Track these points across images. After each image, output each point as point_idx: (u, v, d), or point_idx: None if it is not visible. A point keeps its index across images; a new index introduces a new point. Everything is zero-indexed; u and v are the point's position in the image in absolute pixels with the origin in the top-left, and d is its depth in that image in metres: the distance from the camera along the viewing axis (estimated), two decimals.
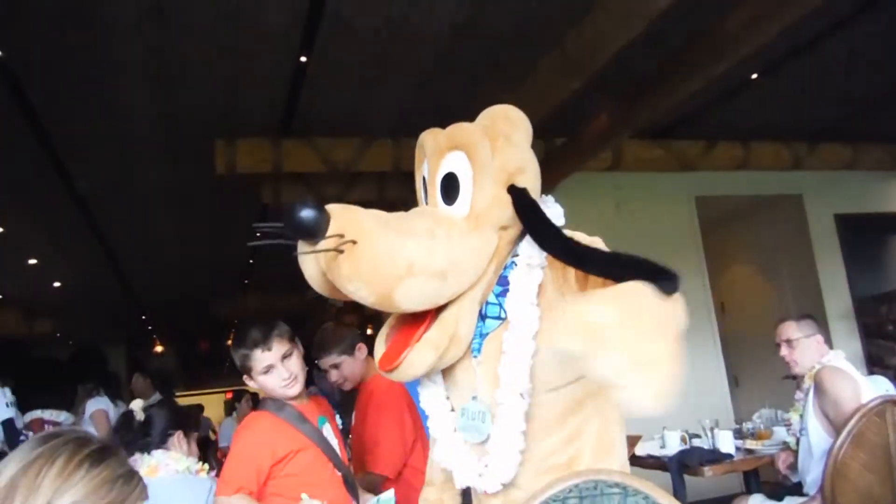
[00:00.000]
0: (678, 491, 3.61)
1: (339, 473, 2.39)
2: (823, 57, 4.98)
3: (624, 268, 1.41)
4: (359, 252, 1.40)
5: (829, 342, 3.44)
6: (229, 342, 17.59)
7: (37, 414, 4.49)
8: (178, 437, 2.64)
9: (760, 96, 5.60)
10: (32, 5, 3.47)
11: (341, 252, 1.39)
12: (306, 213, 1.38)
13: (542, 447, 1.60)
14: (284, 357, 2.39)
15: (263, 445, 2.34)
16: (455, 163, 1.63)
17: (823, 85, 5.55)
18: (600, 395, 1.64)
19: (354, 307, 13.18)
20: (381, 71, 4.44)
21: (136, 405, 2.70)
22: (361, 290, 1.43)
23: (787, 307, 6.66)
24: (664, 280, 1.37)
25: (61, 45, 3.84)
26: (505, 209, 1.61)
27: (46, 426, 4.52)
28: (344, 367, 3.10)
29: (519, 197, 1.62)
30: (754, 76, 5.20)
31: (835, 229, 7.08)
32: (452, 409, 1.72)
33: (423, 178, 1.72)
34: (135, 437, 2.59)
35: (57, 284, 9.88)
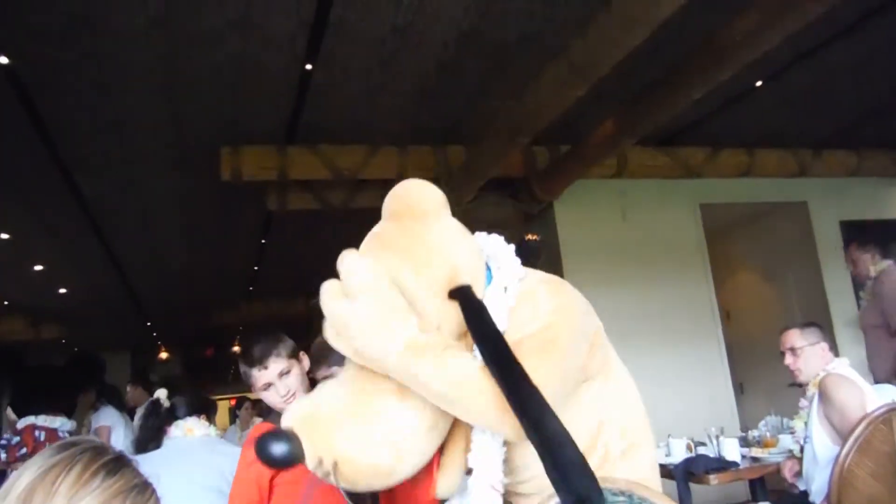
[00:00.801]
0: (684, 499, 3.61)
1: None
2: (828, 64, 4.99)
3: (545, 445, 1.27)
4: (344, 471, 1.44)
5: (834, 349, 3.43)
6: (234, 349, 17.64)
7: (30, 420, 4.50)
8: (200, 417, 2.93)
9: (765, 103, 5.61)
10: (40, 13, 3.49)
11: (329, 474, 1.44)
12: (277, 450, 1.41)
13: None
14: (282, 374, 2.39)
15: (252, 468, 2.32)
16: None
17: (828, 92, 5.56)
18: (604, 397, 1.66)
19: None
20: (387, 78, 4.45)
21: (162, 393, 2.92)
22: (366, 486, 1.50)
23: (793, 314, 6.65)
24: (574, 490, 1.24)
25: (69, 53, 3.86)
26: (451, 319, 1.51)
27: (38, 432, 4.52)
28: None
29: (465, 299, 1.50)
30: (759, 83, 5.21)
31: (840, 236, 7.07)
32: None
33: None
34: (162, 421, 2.86)
35: (63, 291, 9.91)
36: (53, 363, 5.67)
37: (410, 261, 1.51)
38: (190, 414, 2.91)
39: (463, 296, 1.49)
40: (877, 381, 4.70)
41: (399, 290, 1.45)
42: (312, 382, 2.54)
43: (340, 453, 1.43)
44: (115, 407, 5.73)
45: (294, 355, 2.44)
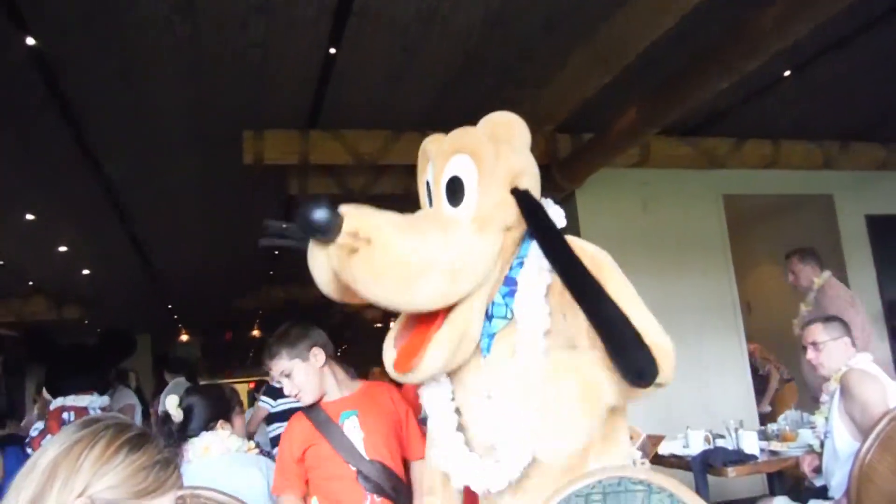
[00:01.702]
0: (701, 491, 3.59)
1: (353, 468, 2.38)
2: (857, 55, 4.91)
3: (603, 327, 1.46)
4: (374, 251, 1.42)
5: (856, 345, 3.39)
6: (254, 332, 17.78)
7: (60, 402, 4.54)
8: (219, 426, 2.65)
9: (791, 94, 5.54)
10: (65, 0, 3.52)
11: (356, 251, 1.41)
12: (319, 213, 1.39)
13: None
14: (283, 374, 2.46)
15: (286, 446, 2.48)
16: (460, 166, 1.66)
17: (856, 83, 5.47)
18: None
19: None
20: (410, 64, 4.44)
21: (172, 403, 2.64)
22: (375, 289, 1.45)
23: None
24: (632, 364, 1.42)
25: (94, 37, 3.89)
26: (509, 211, 1.65)
27: (66, 413, 4.56)
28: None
29: (523, 199, 1.66)
30: (786, 73, 5.14)
31: (865, 230, 6.99)
32: (457, 410, 1.74)
33: (427, 183, 1.75)
34: (176, 435, 2.59)
35: (86, 272, 10.01)
36: (79, 342, 5.72)
37: (496, 146, 1.68)
38: (207, 423, 2.64)
39: (524, 195, 1.67)
40: (812, 390, 4.80)
41: (476, 165, 1.64)
42: None
43: (380, 227, 1.45)
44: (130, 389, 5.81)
45: (300, 355, 2.45)
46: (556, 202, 1.78)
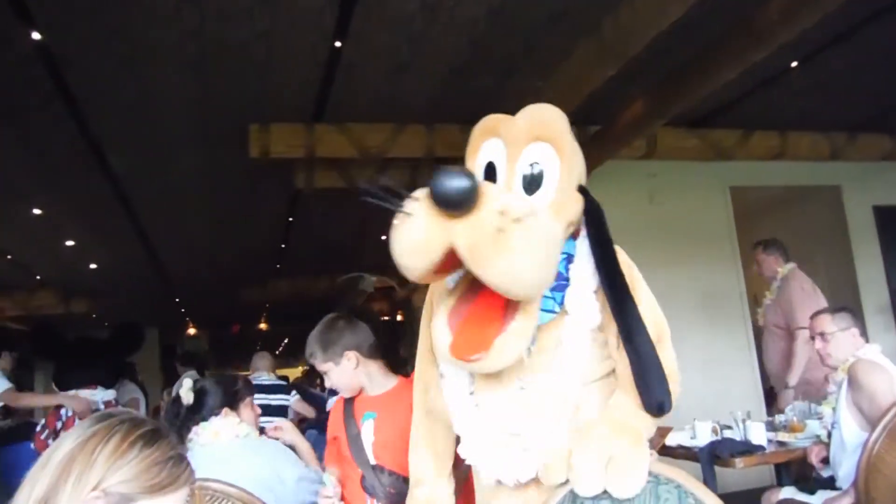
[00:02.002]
0: (708, 482, 3.59)
1: (359, 471, 2.41)
2: (864, 46, 4.88)
3: (634, 355, 1.56)
4: (532, 230, 1.34)
5: (864, 335, 3.39)
6: (261, 325, 17.84)
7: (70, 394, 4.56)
8: (224, 413, 2.64)
9: (799, 85, 5.51)
10: None
11: (503, 230, 1.32)
12: (462, 184, 1.31)
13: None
14: (322, 372, 2.54)
15: (328, 425, 2.69)
16: (540, 154, 1.62)
17: (864, 74, 5.44)
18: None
19: (384, 294, 13.30)
20: (416, 56, 4.43)
21: (186, 386, 2.66)
22: (513, 269, 1.34)
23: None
24: (655, 399, 1.55)
25: (100, 29, 3.89)
26: (577, 207, 1.65)
27: (63, 409, 4.57)
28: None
29: (589, 199, 1.67)
30: (793, 64, 5.11)
31: (873, 221, 6.97)
32: (476, 405, 1.71)
33: (491, 164, 1.67)
34: (186, 417, 2.61)
35: (93, 266, 10.04)
36: (90, 335, 5.74)
37: (573, 139, 1.68)
38: (218, 409, 2.63)
39: (590, 196, 1.69)
40: (770, 379, 5.06)
41: (559, 155, 1.63)
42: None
43: (533, 216, 1.37)
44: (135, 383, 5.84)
45: (332, 358, 2.49)
46: None
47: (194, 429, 2.59)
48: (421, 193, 1.38)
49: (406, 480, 2.26)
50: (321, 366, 2.51)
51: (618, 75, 4.04)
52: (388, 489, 2.35)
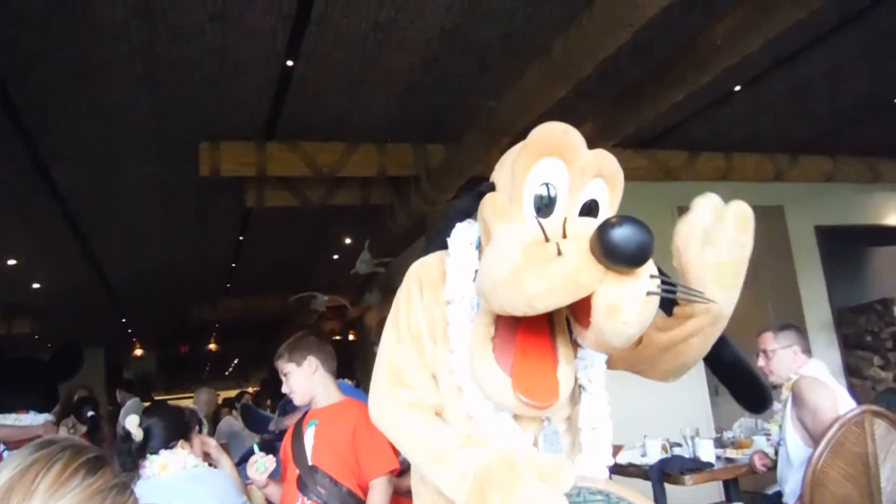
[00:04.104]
0: (659, 499, 3.62)
1: (297, 471, 2.61)
2: (806, 70, 5.04)
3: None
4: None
5: (808, 352, 3.46)
6: (210, 346, 17.55)
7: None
8: (179, 445, 2.67)
9: (743, 108, 5.65)
10: (18, 2, 3.44)
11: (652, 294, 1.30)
12: (648, 241, 1.25)
13: None
14: (283, 374, 2.76)
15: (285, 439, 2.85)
16: (598, 190, 1.65)
17: (805, 98, 5.61)
18: None
19: (336, 313, 13.21)
20: (368, 75, 4.43)
21: (132, 423, 2.62)
22: (641, 331, 1.39)
23: (768, 318, 6.69)
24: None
25: (47, 43, 3.81)
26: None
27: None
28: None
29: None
30: (737, 88, 5.24)
31: (815, 241, 7.15)
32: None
33: (547, 185, 1.62)
34: (134, 457, 2.60)
35: (36, 286, 9.77)
36: (31, 356, 5.55)
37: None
38: (168, 442, 2.63)
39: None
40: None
41: (610, 193, 1.68)
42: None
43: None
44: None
45: (296, 360, 2.73)
46: None
47: (142, 462, 2.60)
48: (578, 232, 1.35)
49: (337, 483, 2.51)
50: (284, 366, 2.73)
51: (568, 96, 4.09)
52: (319, 488, 2.52)
